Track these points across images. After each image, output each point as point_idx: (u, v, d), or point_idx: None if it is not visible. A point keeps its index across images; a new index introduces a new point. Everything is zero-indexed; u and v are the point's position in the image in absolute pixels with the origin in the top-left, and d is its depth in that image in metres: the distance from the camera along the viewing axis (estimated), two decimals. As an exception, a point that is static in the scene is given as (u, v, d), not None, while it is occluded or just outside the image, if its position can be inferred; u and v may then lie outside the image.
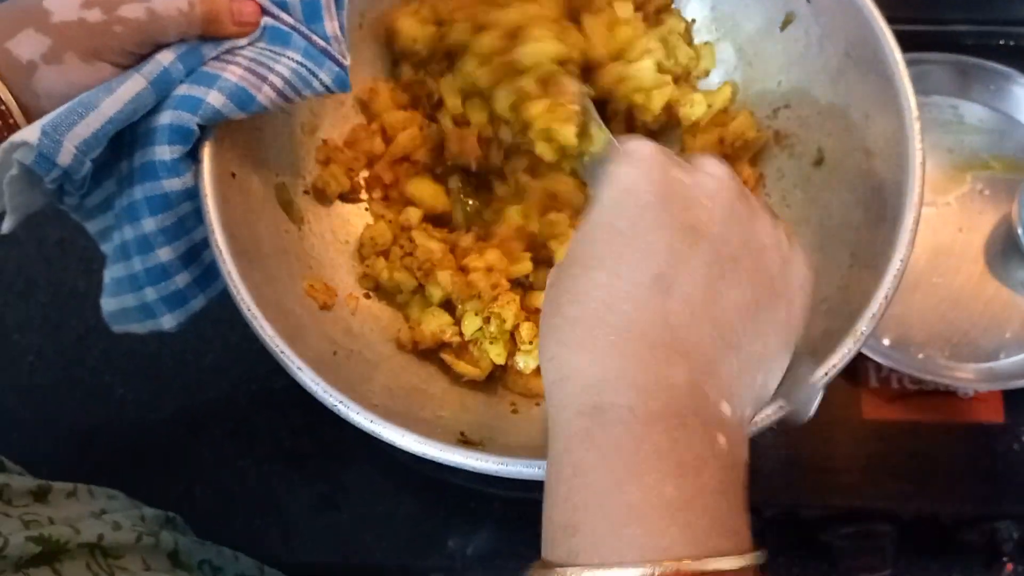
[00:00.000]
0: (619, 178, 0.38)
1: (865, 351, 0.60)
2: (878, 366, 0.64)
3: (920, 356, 0.64)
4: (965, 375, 0.63)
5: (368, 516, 0.65)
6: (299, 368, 0.45)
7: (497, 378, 0.58)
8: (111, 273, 0.53)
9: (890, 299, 0.47)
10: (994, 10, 0.74)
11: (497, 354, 0.56)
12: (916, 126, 0.51)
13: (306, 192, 0.60)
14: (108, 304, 0.54)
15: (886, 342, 0.65)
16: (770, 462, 0.63)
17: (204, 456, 0.68)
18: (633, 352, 0.35)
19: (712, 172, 0.39)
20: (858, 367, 0.65)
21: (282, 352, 0.46)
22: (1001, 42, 0.74)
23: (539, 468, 0.43)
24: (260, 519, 0.66)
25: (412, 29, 0.61)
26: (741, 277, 0.37)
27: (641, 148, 0.39)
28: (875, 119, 0.54)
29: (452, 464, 0.44)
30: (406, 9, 0.61)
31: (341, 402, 0.45)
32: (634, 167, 0.38)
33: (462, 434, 0.49)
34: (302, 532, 0.65)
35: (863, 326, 0.46)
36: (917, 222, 0.48)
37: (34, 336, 0.72)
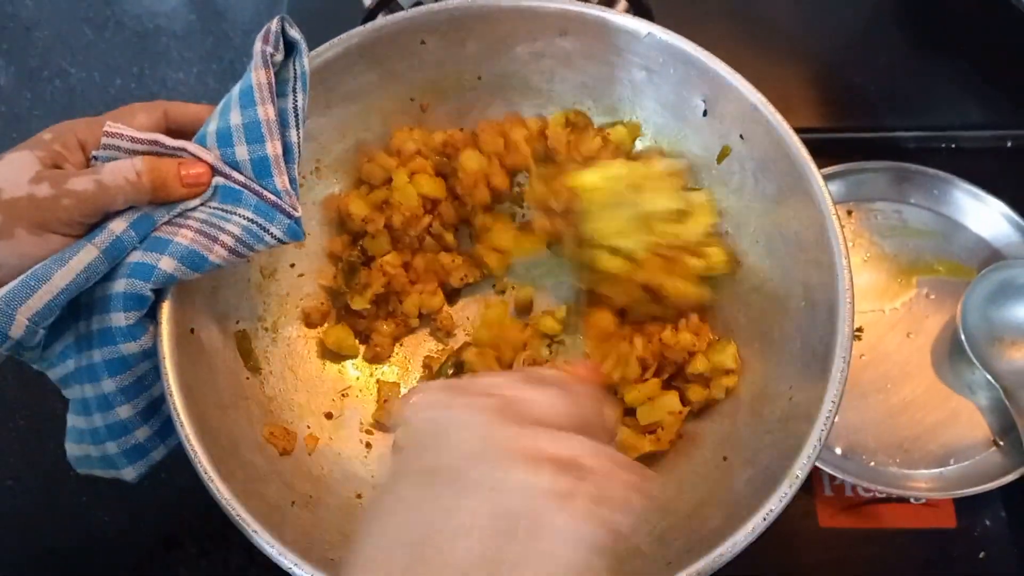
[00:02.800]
0: None
1: (818, 463, 0.61)
2: (832, 475, 0.65)
3: (872, 464, 0.65)
4: (916, 484, 0.64)
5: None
6: (254, 531, 0.47)
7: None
8: (73, 423, 0.54)
9: (823, 441, 0.48)
10: (934, 116, 0.76)
11: None
12: (843, 258, 0.52)
13: (266, 329, 0.61)
14: (71, 449, 0.55)
15: (838, 451, 0.66)
16: (730, 571, 0.63)
17: (180, 575, 0.69)
18: None
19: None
20: (812, 477, 0.65)
21: (238, 516, 0.47)
22: (943, 146, 0.75)
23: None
24: (236, 640, 0.67)
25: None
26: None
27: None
28: (807, 248, 0.55)
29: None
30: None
31: (296, 564, 0.46)
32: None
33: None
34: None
35: (798, 470, 0.48)
36: (848, 362, 0.50)
37: (12, 460, 0.73)
